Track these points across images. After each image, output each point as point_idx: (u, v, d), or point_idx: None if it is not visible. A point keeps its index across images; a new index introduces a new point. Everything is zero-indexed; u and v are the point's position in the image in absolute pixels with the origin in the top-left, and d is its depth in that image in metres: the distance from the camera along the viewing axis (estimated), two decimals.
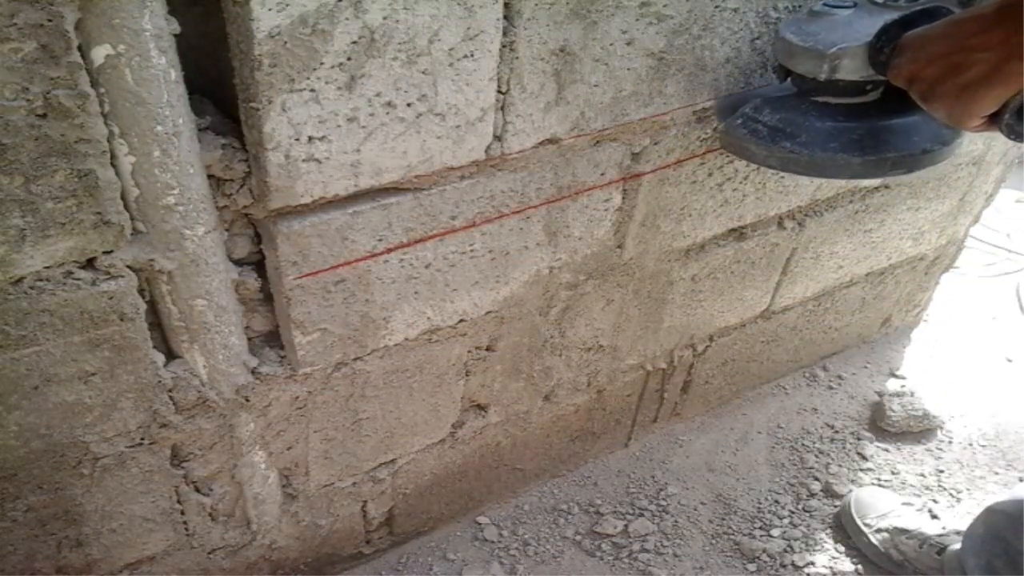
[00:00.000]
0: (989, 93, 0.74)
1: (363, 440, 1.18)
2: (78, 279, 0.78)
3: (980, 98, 0.75)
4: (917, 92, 0.83)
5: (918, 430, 1.75)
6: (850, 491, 1.57)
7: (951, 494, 1.63)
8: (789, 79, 1.03)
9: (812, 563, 1.47)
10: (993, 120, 0.77)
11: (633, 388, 1.53)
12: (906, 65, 0.84)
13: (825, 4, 0.98)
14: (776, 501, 1.59)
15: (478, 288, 1.09)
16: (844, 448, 1.71)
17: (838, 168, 0.99)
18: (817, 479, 1.63)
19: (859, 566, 1.48)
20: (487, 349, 1.21)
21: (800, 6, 1.07)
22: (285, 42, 0.72)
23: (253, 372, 0.99)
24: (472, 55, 0.84)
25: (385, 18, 0.76)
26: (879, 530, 1.47)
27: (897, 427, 1.74)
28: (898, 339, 1.99)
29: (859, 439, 1.73)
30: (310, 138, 0.80)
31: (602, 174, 1.08)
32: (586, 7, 0.88)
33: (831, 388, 1.86)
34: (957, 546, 1.34)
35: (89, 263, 0.79)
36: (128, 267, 0.81)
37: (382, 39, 0.77)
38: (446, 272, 1.04)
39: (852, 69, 0.92)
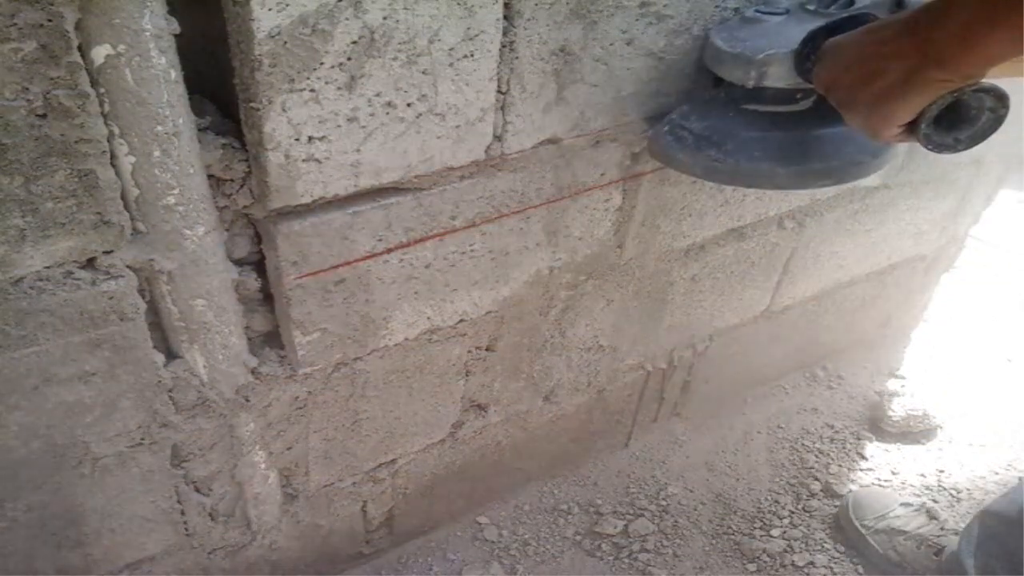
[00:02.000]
0: (903, 101, 0.72)
1: (363, 440, 1.18)
2: (78, 279, 0.78)
3: (894, 106, 0.73)
4: (835, 100, 0.81)
5: (918, 430, 1.75)
6: (849, 491, 1.57)
7: (951, 494, 1.63)
8: (719, 87, 1.00)
9: (812, 563, 1.47)
10: (911, 130, 0.75)
11: (633, 388, 1.53)
12: (825, 72, 0.82)
13: (757, 10, 0.97)
14: (776, 501, 1.59)
15: (478, 288, 1.09)
16: (844, 448, 1.71)
17: (763, 178, 0.96)
18: (817, 479, 1.63)
19: (859, 566, 1.48)
20: (487, 349, 1.21)
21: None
22: (285, 42, 0.72)
23: (253, 372, 0.99)
24: (472, 55, 0.84)
25: (385, 18, 0.76)
26: (877, 531, 1.47)
27: (897, 427, 1.74)
28: (898, 339, 1.99)
29: (859, 439, 1.73)
30: (310, 138, 0.80)
31: (602, 174, 1.08)
32: (586, 7, 0.88)
33: (831, 388, 1.86)
34: (955, 547, 1.34)
35: (89, 263, 0.78)
36: (128, 267, 0.81)
37: (382, 39, 0.77)
38: (446, 272, 1.04)
39: (779, 76, 0.90)
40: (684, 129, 0.99)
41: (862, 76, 0.75)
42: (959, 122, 0.75)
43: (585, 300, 1.25)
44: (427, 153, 0.90)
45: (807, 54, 0.86)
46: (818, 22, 0.87)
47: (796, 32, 0.88)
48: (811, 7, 0.94)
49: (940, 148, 0.76)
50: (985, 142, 0.77)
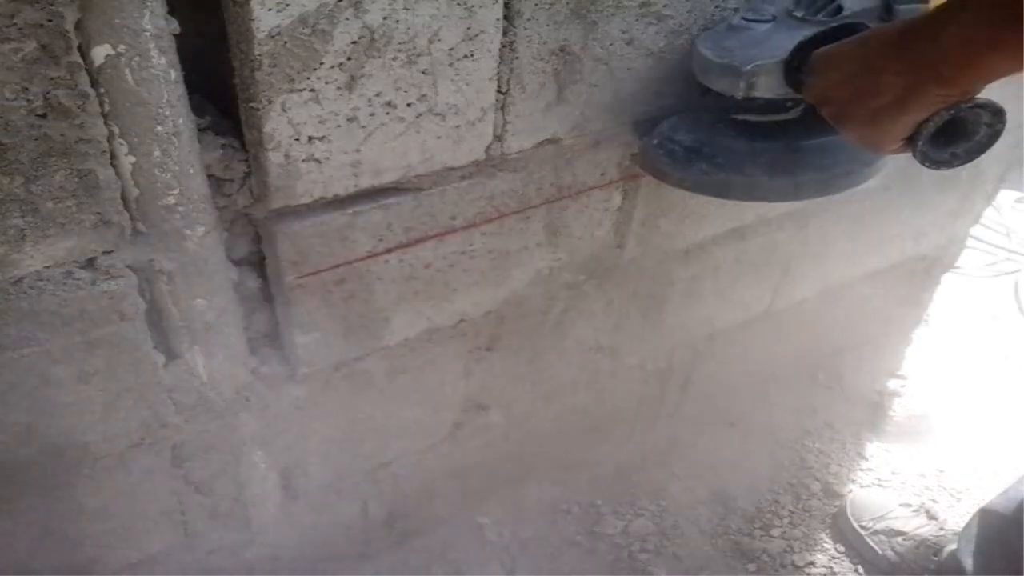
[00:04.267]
0: (901, 118, 0.70)
1: (363, 440, 1.18)
2: (78, 279, 0.78)
3: (892, 123, 0.71)
4: (828, 113, 0.79)
5: (918, 430, 1.75)
6: (849, 491, 1.57)
7: (951, 494, 1.64)
8: (707, 95, 0.97)
9: (812, 563, 1.48)
10: (908, 143, 0.73)
11: (633, 388, 1.53)
12: (817, 85, 0.79)
13: (743, 18, 0.94)
14: (776, 501, 1.59)
15: (478, 288, 1.09)
16: (844, 448, 1.71)
17: (755, 190, 0.95)
18: (817, 479, 1.63)
19: (859, 566, 1.48)
20: (487, 349, 1.21)
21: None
22: (285, 42, 0.72)
23: (253, 372, 0.99)
24: (472, 55, 0.84)
25: (385, 18, 0.76)
26: (875, 532, 1.47)
27: (897, 427, 1.74)
28: (898, 339, 1.99)
29: (859, 439, 1.74)
30: (310, 138, 0.80)
31: (602, 174, 1.08)
32: (586, 7, 0.88)
33: (831, 388, 1.86)
34: (954, 547, 1.34)
35: (89, 263, 0.78)
36: (128, 267, 0.81)
37: (382, 39, 0.77)
38: (446, 272, 1.04)
39: (769, 87, 0.87)
40: (673, 142, 0.97)
41: (857, 92, 0.73)
42: (956, 137, 0.73)
43: (585, 300, 1.25)
44: (427, 153, 0.90)
45: (797, 65, 0.84)
46: (806, 31, 0.85)
47: (784, 40, 0.86)
48: (799, 14, 0.92)
49: (937, 165, 0.74)
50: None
